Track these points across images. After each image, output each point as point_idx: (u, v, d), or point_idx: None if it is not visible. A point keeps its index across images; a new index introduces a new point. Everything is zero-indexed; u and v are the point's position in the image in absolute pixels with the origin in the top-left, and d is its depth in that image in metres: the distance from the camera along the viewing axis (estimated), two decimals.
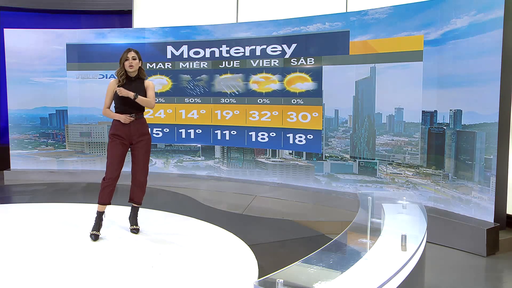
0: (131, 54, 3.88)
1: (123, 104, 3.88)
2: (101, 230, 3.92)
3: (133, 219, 4.12)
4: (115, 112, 3.92)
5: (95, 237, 3.87)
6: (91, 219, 4.57)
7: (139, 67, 3.95)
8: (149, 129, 4.08)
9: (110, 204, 3.94)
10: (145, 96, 3.93)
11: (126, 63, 3.87)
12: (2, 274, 3.18)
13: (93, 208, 5.03)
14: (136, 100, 3.83)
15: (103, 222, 3.96)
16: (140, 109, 3.95)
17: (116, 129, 3.92)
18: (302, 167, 5.93)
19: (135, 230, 4.07)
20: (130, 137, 3.92)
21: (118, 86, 3.87)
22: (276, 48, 5.96)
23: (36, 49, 6.89)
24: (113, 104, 3.98)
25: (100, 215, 3.94)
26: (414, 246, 2.27)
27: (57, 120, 7.01)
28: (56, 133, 7.05)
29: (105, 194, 3.90)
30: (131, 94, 3.80)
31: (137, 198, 4.09)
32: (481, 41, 4.15)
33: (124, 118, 3.86)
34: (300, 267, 1.98)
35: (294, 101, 5.89)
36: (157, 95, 6.49)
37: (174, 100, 6.56)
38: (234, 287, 3.05)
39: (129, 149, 3.99)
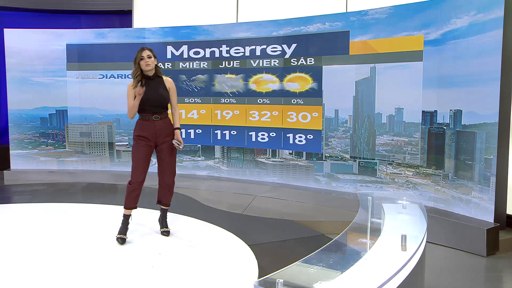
0: (146, 53, 3.76)
1: (145, 104, 3.79)
2: (101, 231, 3.92)
3: (163, 221, 4.08)
4: (140, 112, 3.81)
5: (122, 240, 3.80)
6: (91, 219, 4.59)
7: (155, 64, 3.84)
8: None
9: (136, 208, 3.88)
10: (167, 92, 3.88)
11: (142, 62, 3.75)
12: (2, 274, 3.18)
13: (93, 208, 5.07)
14: (175, 118, 3.95)
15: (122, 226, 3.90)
16: (164, 108, 3.87)
17: (141, 130, 3.83)
18: (302, 167, 5.93)
19: (166, 233, 4.03)
20: (155, 138, 3.83)
21: (135, 87, 3.74)
22: (276, 48, 5.96)
23: (36, 49, 6.88)
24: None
25: (126, 219, 3.86)
26: (414, 246, 2.27)
27: (57, 120, 7.01)
28: (56, 133, 7.05)
29: (131, 199, 3.82)
30: (181, 141, 3.86)
31: (165, 199, 4.03)
32: (481, 41, 4.15)
33: (138, 89, 3.68)
34: (300, 267, 1.98)
35: (294, 101, 5.89)
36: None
37: None
38: (234, 287, 3.05)
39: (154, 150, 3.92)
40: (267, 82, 6.04)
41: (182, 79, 6.47)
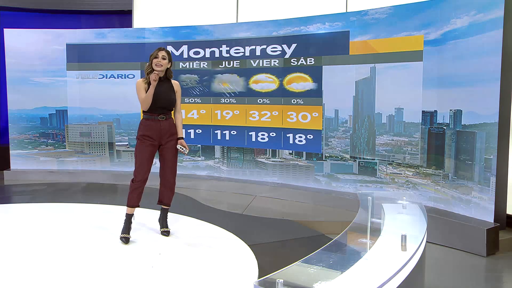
0: (162, 53, 3.81)
1: (153, 103, 3.82)
2: (100, 231, 3.92)
3: (163, 221, 4.09)
4: (146, 112, 3.83)
5: (126, 240, 3.81)
6: (91, 219, 4.59)
7: (167, 68, 3.88)
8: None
9: (139, 207, 3.90)
10: (175, 95, 3.92)
11: (155, 61, 3.80)
12: (2, 274, 3.18)
13: (93, 208, 5.07)
14: (178, 123, 3.99)
15: (131, 225, 3.91)
16: (170, 109, 3.93)
17: (146, 129, 3.84)
18: (302, 167, 5.93)
19: (166, 233, 4.03)
20: (160, 137, 3.86)
21: (147, 82, 3.81)
22: (276, 48, 5.96)
23: (36, 49, 6.88)
24: (133, 105, 3.88)
25: (129, 218, 3.88)
26: (414, 246, 2.27)
27: (57, 120, 7.01)
28: (56, 133, 7.05)
29: (134, 197, 3.85)
30: (185, 146, 3.92)
31: (166, 199, 4.04)
32: (481, 41, 4.15)
33: (152, 76, 3.68)
34: (300, 267, 1.98)
35: (294, 101, 5.89)
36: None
37: None
38: (234, 287, 3.05)
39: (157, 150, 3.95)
40: (268, 82, 6.02)
41: (182, 79, 6.46)
